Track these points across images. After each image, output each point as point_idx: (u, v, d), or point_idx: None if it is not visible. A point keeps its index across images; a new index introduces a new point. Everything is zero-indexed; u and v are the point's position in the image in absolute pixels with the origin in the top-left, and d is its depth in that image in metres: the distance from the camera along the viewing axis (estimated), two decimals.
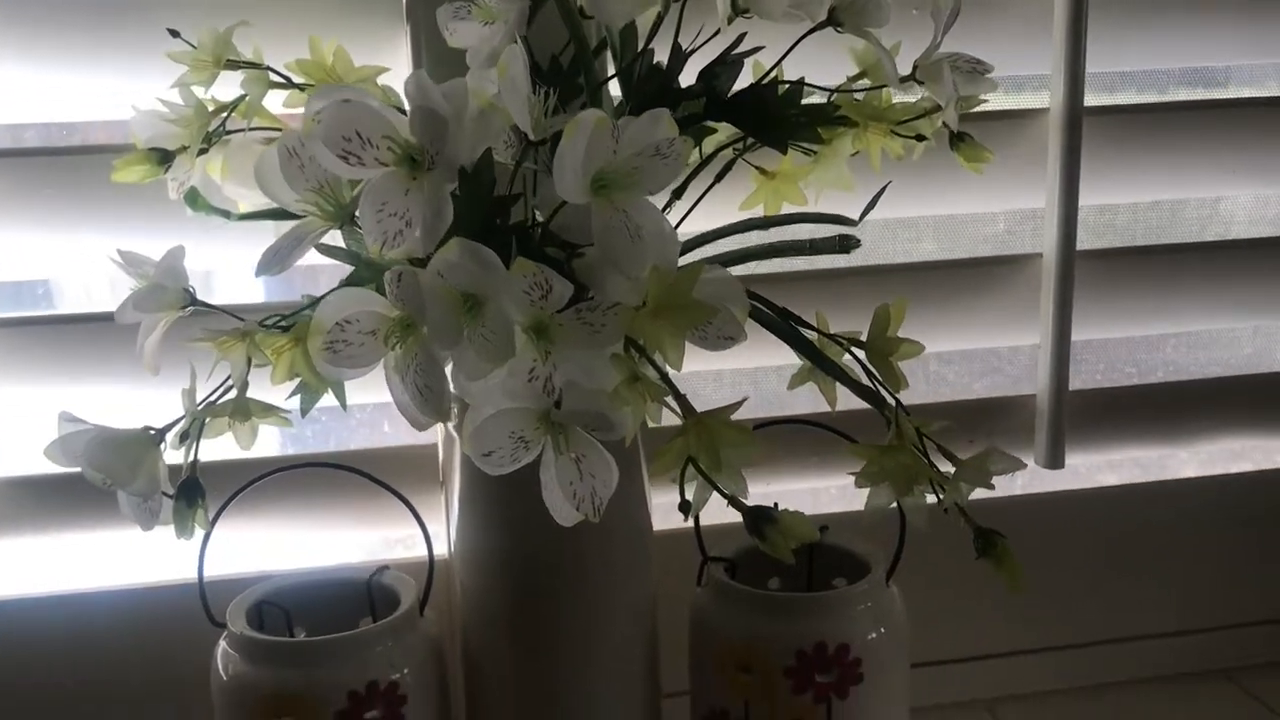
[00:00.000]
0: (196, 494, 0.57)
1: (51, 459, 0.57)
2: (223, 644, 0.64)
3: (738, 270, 0.57)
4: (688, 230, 0.62)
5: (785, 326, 0.60)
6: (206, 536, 0.63)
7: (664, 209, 0.57)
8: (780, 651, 0.64)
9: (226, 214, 0.64)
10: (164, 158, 0.61)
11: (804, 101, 0.61)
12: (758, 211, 0.68)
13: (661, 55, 0.60)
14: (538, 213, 0.56)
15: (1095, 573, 0.89)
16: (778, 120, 0.61)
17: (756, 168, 0.67)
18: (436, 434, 0.78)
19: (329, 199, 0.50)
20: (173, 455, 0.58)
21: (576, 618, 0.63)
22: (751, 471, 0.53)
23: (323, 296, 0.56)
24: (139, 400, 0.70)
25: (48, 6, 0.70)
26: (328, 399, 0.59)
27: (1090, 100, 0.78)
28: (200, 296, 0.59)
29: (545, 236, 0.53)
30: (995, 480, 0.58)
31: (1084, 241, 0.81)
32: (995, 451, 0.57)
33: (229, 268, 0.80)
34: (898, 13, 0.58)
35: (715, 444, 0.50)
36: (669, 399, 0.51)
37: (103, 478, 0.55)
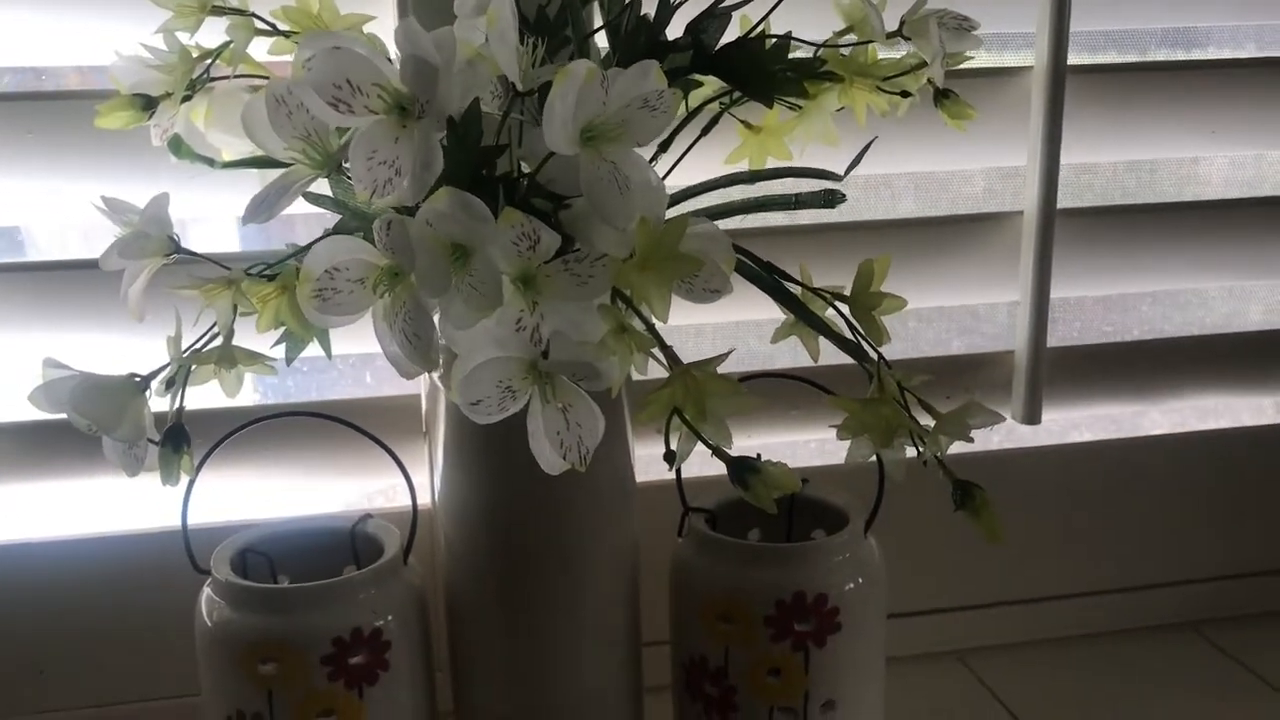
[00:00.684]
0: (182, 440, 0.57)
1: (36, 405, 0.56)
2: (207, 590, 0.64)
3: (722, 224, 0.57)
4: (673, 183, 0.62)
5: (770, 280, 0.60)
6: (190, 483, 0.63)
7: (650, 161, 0.57)
8: (760, 601, 0.65)
9: (210, 162, 0.63)
10: (148, 104, 0.60)
11: (790, 56, 0.62)
12: (743, 165, 0.68)
13: (649, 8, 0.60)
14: (523, 164, 0.56)
15: (1068, 527, 0.91)
16: (764, 74, 0.61)
17: (742, 121, 0.67)
18: (420, 385, 0.78)
19: (316, 147, 0.50)
20: (157, 403, 0.58)
21: (559, 567, 0.64)
22: (731, 424, 0.53)
23: (308, 245, 0.56)
24: (121, 347, 0.70)
25: None
26: (312, 348, 0.59)
27: (1072, 59, 0.79)
28: None
29: (532, 187, 0.53)
30: (973, 435, 0.59)
31: (1062, 200, 0.82)
32: (974, 405, 0.58)
33: (205, 216, 0.79)
34: None
35: (701, 395, 0.50)
36: (655, 350, 0.51)
37: (88, 424, 0.55)
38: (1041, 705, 0.85)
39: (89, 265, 0.71)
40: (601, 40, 0.61)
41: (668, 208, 0.55)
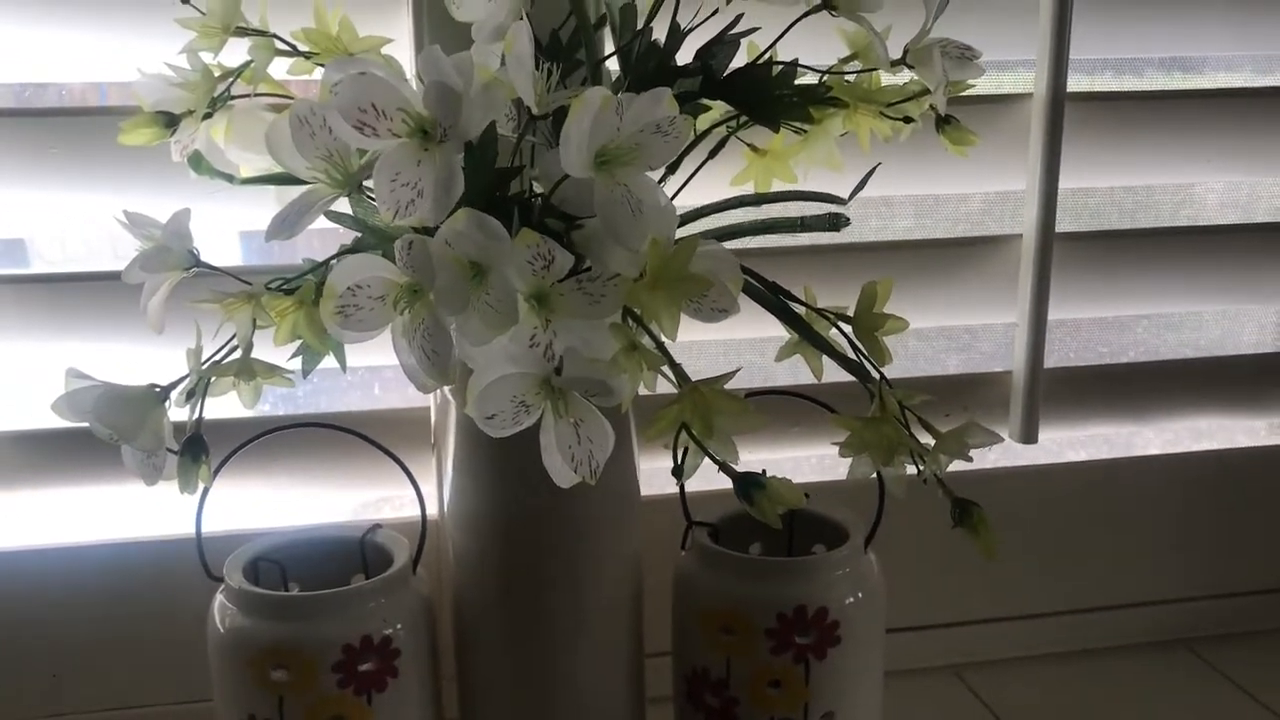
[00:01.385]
0: (201, 450, 0.58)
1: (59, 414, 0.58)
2: (220, 597, 0.66)
3: (726, 244, 0.58)
4: (681, 203, 0.63)
5: (775, 300, 0.62)
6: (205, 492, 0.65)
7: (659, 182, 0.58)
8: (761, 614, 0.66)
9: (230, 178, 0.65)
10: (170, 121, 0.62)
11: (796, 82, 0.63)
12: (748, 187, 0.70)
13: (659, 33, 0.61)
14: (535, 184, 0.57)
15: (1063, 544, 0.92)
16: (771, 100, 0.62)
17: (748, 145, 0.69)
18: (429, 397, 0.80)
19: (337, 167, 0.52)
20: (175, 413, 0.60)
21: (565, 578, 0.65)
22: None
23: (326, 261, 0.58)
24: (140, 356, 0.71)
25: None
26: (325, 360, 0.60)
27: (1071, 86, 0.80)
28: None
29: (546, 208, 0.55)
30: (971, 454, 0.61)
31: (1061, 224, 0.83)
32: (974, 425, 0.59)
33: (208, 228, 0.81)
34: None
35: (709, 412, 0.52)
36: (664, 368, 0.53)
37: (110, 433, 0.57)
38: None
39: (106, 277, 0.73)
40: (613, 63, 0.63)
41: (676, 228, 0.57)
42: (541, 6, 0.60)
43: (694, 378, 0.55)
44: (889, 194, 0.88)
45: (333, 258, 0.59)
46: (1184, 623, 0.95)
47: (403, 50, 0.70)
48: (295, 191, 0.60)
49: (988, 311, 0.86)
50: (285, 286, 0.58)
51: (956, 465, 0.61)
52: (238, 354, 0.58)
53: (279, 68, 0.64)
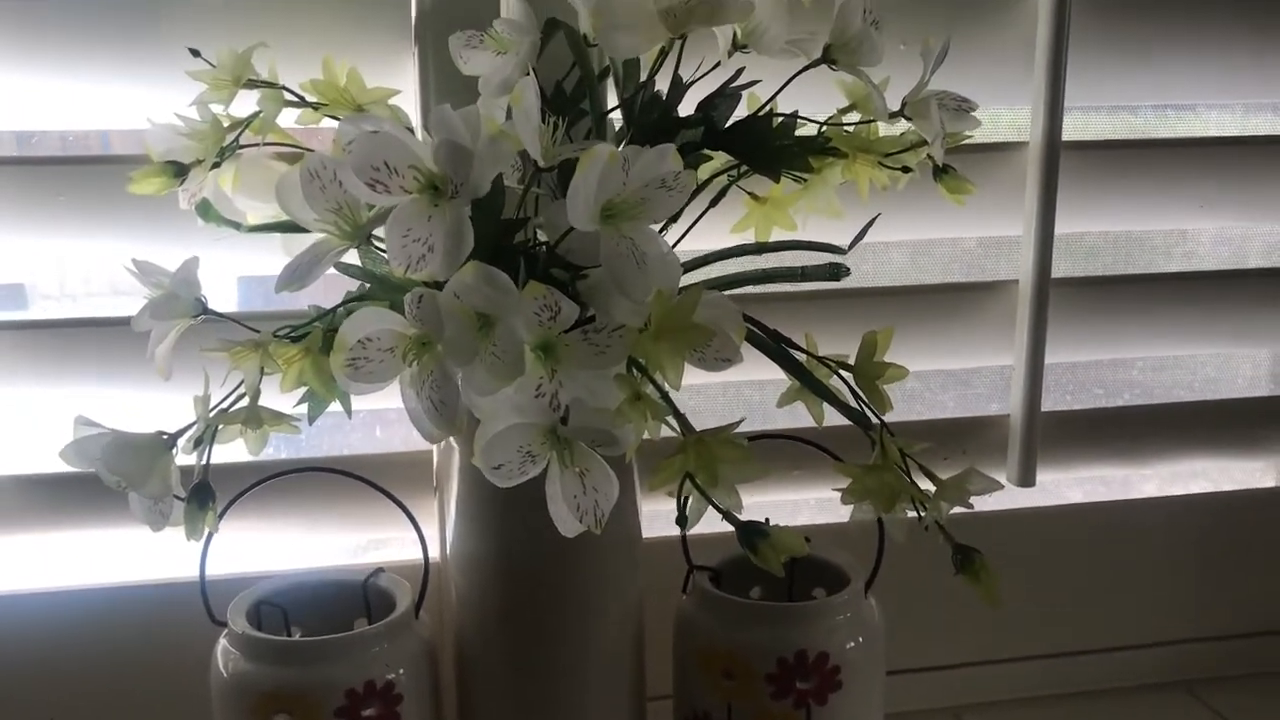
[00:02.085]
0: (208, 497, 0.59)
1: (67, 461, 0.58)
2: (223, 642, 0.66)
3: (727, 292, 0.59)
4: (682, 249, 0.64)
5: (777, 348, 0.62)
6: (209, 537, 0.65)
7: (660, 231, 0.59)
8: (763, 658, 0.67)
9: (236, 225, 0.66)
10: (180, 171, 0.63)
11: (796, 133, 0.64)
12: (749, 234, 0.71)
13: (661, 84, 0.62)
14: (539, 232, 0.58)
15: (1061, 586, 0.93)
16: (772, 151, 0.63)
17: (748, 193, 0.70)
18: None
19: (346, 219, 0.52)
20: (180, 458, 0.60)
21: (568, 622, 0.65)
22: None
23: (332, 310, 0.59)
24: (139, 400, 0.72)
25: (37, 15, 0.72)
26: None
27: (1066, 135, 0.82)
28: None
29: (551, 258, 0.56)
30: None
31: (1057, 269, 0.84)
32: (974, 472, 0.60)
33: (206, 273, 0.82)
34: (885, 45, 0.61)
35: (713, 461, 0.52)
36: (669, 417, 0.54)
37: (118, 480, 0.57)
38: None
39: (106, 322, 0.74)
40: (615, 113, 0.64)
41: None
42: (545, 58, 0.62)
43: (691, 416, 0.55)
44: (887, 240, 0.89)
45: (339, 306, 0.60)
46: (1183, 664, 0.96)
47: (408, 101, 0.71)
48: (300, 238, 0.62)
49: (985, 355, 0.87)
50: (292, 334, 0.59)
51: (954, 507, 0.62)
52: (245, 401, 0.59)
53: (286, 116, 0.65)
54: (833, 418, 0.64)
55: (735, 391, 0.92)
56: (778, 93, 0.63)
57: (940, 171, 0.66)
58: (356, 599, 0.71)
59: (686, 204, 0.64)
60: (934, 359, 0.87)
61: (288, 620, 0.70)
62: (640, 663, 0.69)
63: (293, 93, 0.64)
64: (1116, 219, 0.89)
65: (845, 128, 0.65)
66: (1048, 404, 0.87)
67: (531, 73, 0.55)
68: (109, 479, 0.57)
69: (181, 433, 0.59)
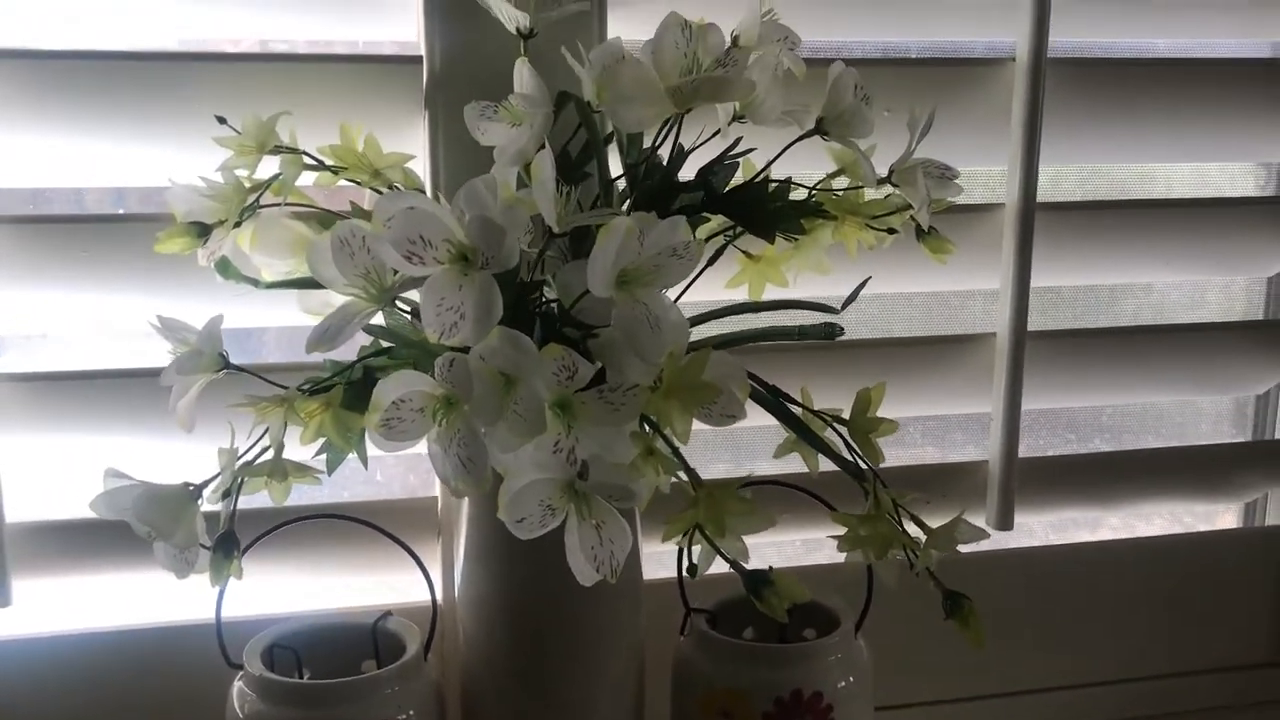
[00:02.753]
0: (233, 546, 0.61)
1: (97, 511, 0.61)
2: (239, 684, 0.68)
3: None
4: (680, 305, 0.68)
5: (775, 403, 0.66)
6: (225, 583, 0.67)
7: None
8: (760, 698, 0.70)
9: (255, 282, 0.68)
10: (203, 231, 0.65)
11: (789, 197, 0.68)
12: (743, 289, 0.74)
13: (662, 150, 0.66)
14: (548, 291, 0.62)
15: (1041, 625, 0.96)
16: (767, 214, 0.67)
17: (743, 251, 0.73)
18: (435, 485, 0.83)
19: (374, 283, 0.55)
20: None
21: (573, 664, 0.68)
22: None
23: (351, 364, 0.61)
24: (166, 451, 0.74)
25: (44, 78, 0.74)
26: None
27: (1041, 197, 0.86)
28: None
29: (564, 318, 0.59)
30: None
31: (1032, 323, 0.88)
32: (961, 521, 0.63)
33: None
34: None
35: (721, 514, 0.56)
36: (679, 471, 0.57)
37: (148, 530, 0.60)
38: None
39: (122, 375, 0.76)
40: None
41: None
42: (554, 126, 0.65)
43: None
44: (873, 292, 0.92)
45: (357, 362, 0.63)
46: (1161, 699, 0.99)
47: (418, 163, 0.74)
48: (315, 294, 0.65)
49: (966, 403, 0.91)
50: (314, 389, 0.62)
51: None
52: (269, 454, 0.61)
53: (304, 179, 0.68)
54: (825, 462, 0.68)
55: (728, 436, 0.95)
56: (772, 161, 0.66)
57: (923, 232, 0.70)
58: (366, 641, 0.73)
59: None
60: (916, 406, 0.90)
61: (300, 662, 0.72)
62: (641, 703, 0.72)
63: (312, 157, 0.67)
64: (1085, 274, 0.93)
65: (835, 192, 0.69)
66: (1023, 450, 0.91)
67: (546, 144, 0.58)
68: (140, 529, 0.60)
69: (207, 483, 0.62)
